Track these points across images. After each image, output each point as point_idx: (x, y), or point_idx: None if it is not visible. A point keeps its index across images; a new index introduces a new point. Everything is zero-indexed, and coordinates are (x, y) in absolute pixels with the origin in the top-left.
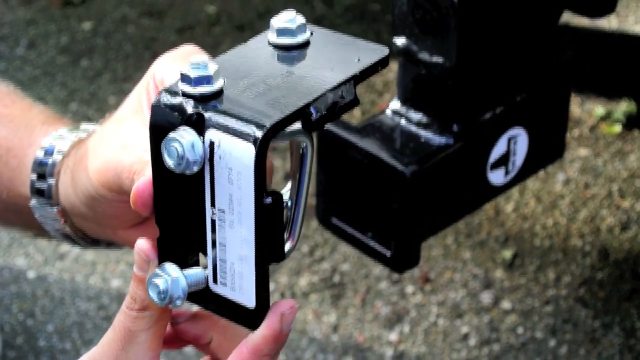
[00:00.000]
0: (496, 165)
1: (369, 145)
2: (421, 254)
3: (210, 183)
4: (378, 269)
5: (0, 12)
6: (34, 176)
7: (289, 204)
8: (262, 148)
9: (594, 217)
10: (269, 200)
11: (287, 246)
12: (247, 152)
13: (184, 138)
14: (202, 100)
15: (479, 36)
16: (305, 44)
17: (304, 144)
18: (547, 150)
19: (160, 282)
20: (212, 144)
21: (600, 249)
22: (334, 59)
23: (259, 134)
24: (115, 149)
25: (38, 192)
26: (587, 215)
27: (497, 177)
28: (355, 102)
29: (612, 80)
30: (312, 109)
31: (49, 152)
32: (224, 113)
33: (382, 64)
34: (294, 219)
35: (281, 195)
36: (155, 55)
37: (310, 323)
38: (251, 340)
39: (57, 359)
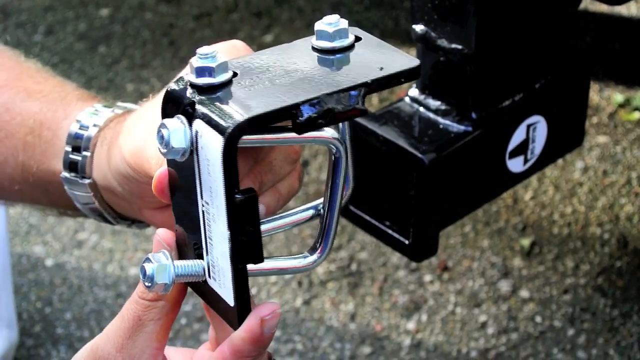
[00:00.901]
0: (515, 153)
1: (388, 132)
2: (439, 242)
3: (198, 173)
4: (396, 258)
5: None
6: (68, 148)
7: (322, 212)
8: (230, 141)
9: (612, 205)
10: (239, 197)
11: (314, 257)
12: (217, 145)
13: (171, 125)
14: (203, 90)
15: (498, 23)
16: (343, 49)
17: (336, 151)
18: (566, 137)
19: (148, 268)
20: (197, 133)
21: (619, 237)
22: (357, 66)
23: (230, 127)
24: (149, 132)
25: (71, 165)
26: (605, 203)
27: (516, 164)
28: (361, 112)
29: (631, 67)
30: (303, 110)
31: (84, 126)
32: (213, 105)
33: (408, 75)
34: (326, 229)
35: (255, 195)
36: (172, 42)
37: (327, 312)
38: (231, 340)
39: (74, 347)
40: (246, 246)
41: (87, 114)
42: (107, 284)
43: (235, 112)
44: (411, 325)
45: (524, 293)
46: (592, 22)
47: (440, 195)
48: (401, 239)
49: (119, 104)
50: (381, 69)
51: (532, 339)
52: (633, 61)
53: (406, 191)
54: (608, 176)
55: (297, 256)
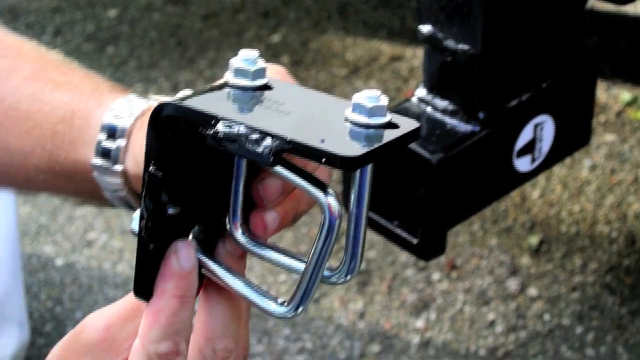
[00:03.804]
0: (523, 152)
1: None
2: (447, 240)
3: None
4: (404, 256)
5: None
6: (102, 136)
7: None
8: (153, 114)
9: (620, 203)
10: (151, 170)
11: (283, 309)
12: None
13: None
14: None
15: (505, 23)
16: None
17: (325, 217)
18: (573, 136)
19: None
20: None
21: (627, 235)
22: (336, 130)
23: (161, 103)
24: None
25: (103, 153)
26: (613, 201)
27: (523, 164)
28: (263, 162)
29: (638, 66)
30: (219, 126)
31: (119, 115)
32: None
33: (327, 159)
34: (299, 288)
35: (158, 178)
36: (180, 43)
37: (336, 310)
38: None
39: None
40: (145, 221)
41: (122, 103)
42: (117, 283)
43: (185, 97)
44: (420, 323)
45: (533, 291)
46: (599, 22)
47: (448, 194)
48: (409, 238)
49: (152, 95)
50: (322, 141)
51: (540, 337)
52: None
53: (414, 191)
54: (616, 174)
55: (271, 297)
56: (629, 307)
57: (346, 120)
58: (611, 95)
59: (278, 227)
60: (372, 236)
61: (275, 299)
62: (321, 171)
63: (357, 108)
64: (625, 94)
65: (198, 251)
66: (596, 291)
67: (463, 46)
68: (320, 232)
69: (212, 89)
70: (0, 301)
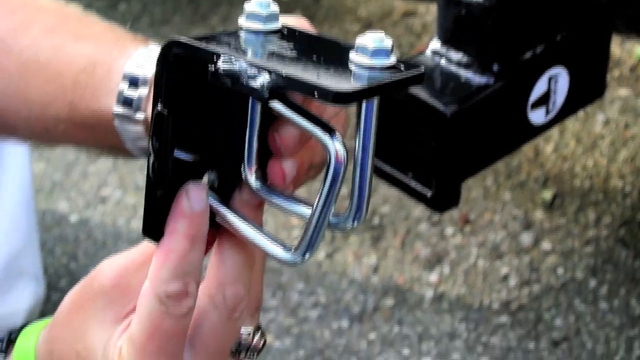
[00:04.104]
0: (537, 104)
1: None
2: (461, 195)
3: None
4: (418, 211)
5: None
6: (124, 85)
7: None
8: (162, 53)
9: (634, 158)
10: (159, 108)
11: (289, 256)
12: None
13: None
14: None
15: None
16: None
17: (330, 161)
18: (587, 89)
19: None
20: None
21: None
22: (334, 70)
23: (170, 40)
24: None
25: (125, 102)
26: (627, 155)
27: (537, 116)
28: (259, 98)
29: None
30: (220, 61)
31: (141, 65)
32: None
33: (320, 93)
34: (305, 235)
35: (166, 116)
36: None
37: (350, 265)
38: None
39: None
40: (152, 161)
41: (144, 53)
42: (131, 239)
43: (196, 37)
44: (433, 277)
45: (546, 245)
46: None
47: (462, 147)
48: (424, 190)
49: None
50: (318, 77)
51: (554, 291)
52: None
53: (429, 143)
54: (630, 129)
55: (280, 243)
56: None
57: (350, 62)
58: (625, 50)
59: (296, 177)
60: (385, 191)
61: (284, 245)
62: (335, 122)
63: (360, 49)
64: (639, 49)
65: (213, 198)
66: (609, 245)
67: None
68: (325, 178)
69: (226, 32)
70: (15, 257)
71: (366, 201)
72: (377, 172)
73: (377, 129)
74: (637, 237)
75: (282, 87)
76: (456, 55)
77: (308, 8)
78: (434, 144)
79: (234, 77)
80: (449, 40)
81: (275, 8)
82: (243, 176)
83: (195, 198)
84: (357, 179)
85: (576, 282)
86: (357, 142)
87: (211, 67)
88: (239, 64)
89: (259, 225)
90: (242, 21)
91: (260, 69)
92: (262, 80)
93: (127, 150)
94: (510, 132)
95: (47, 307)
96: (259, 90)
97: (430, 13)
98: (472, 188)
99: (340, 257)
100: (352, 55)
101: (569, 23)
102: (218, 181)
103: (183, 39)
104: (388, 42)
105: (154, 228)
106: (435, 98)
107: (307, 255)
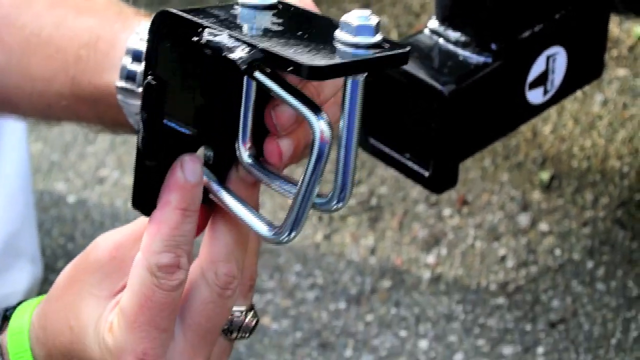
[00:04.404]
0: (535, 84)
1: (407, 64)
2: (458, 176)
3: None
4: (415, 192)
5: None
6: (127, 59)
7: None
8: (152, 24)
9: (632, 138)
10: (148, 79)
11: (273, 234)
12: None
13: None
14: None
15: None
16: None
17: (314, 139)
18: (585, 69)
19: None
20: None
21: (639, 170)
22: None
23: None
24: None
25: (128, 76)
26: (625, 136)
27: (535, 96)
28: (242, 70)
29: None
30: (205, 32)
31: (145, 39)
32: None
33: (294, 68)
34: (290, 214)
35: (157, 85)
36: None
37: (347, 246)
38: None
39: None
40: (141, 132)
41: (147, 27)
42: (129, 220)
43: (190, 9)
44: (431, 259)
45: (543, 226)
46: None
47: (460, 126)
48: (421, 170)
49: None
50: (295, 51)
51: (551, 272)
52: None
53: (426, 123)
54: (628, 109)
55: (266, 222)
56: (639, 241)
57: (334, 39)
58: (624, 30)
59: (292, 155)
60: (383, 172)
61: (270, 224)
62: (332, 105)
63: (345, 27)
64: (638, 28)
65: (209, 177)
66: (607, 226)
67: None
68: (310, 157)
69: (221, 6)
70: (13, 237)
71: (350, 181)
72: (374, 152)
73: (363, 108)
74: (635, 218)
75: (260, 61)
76: (454, 35)
77: None
78: (431, 123)
79: (215, 48)
80: (447, 19)
81: None
82: (237, 153)
83: (189, 170)
84: (342, 160)
85: (573, 263)
86: (342, 122)
87: (194, 39)
88: (220, 37)
89: (255, 204)
90: None
91: (240, 41)
92: (240, 53)
93: (130, 125)
94: (509, 112)
95: (44, 288)
96: (237, 62)
97: None
98: (470, 169)
99: (337, 238)
100: (337, 33)
101: (567, 2)
102: (214, 158)
103: (173, 10)
104: (373, 20)
105: (144, 200)
106: (433, 77)
107: (292, 234)
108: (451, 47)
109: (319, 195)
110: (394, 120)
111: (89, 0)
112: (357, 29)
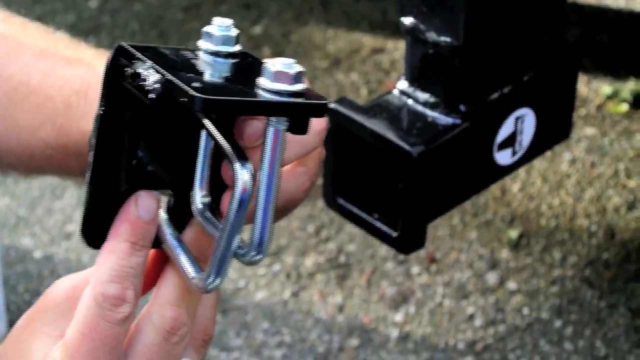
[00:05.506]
0: (503, 145)
1: (376, 124)
2: (427, 234)
3: None
4: (384, 250)
5: None
6: None
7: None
8: (111, 57)
9: (600, 197)
10: (101, 110)
11: (199, 280)
12: None
13: None
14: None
15: (487, 15)
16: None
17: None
18: (554, 130)
19: None
20: None
21: (607, 229)
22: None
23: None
24: None
25: None
26: (593, 195)
27: (504, 157)
28: (150, 99)
29: (619, 59)
30: (132, 67)
31: None
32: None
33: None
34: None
35: (112, 115)
36: (161, 34)
37: (315, 304)
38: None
39: None
40: (90, 161)
41: None
42: None
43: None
44: (399, 317)
45: (512, 285)
46: (580, 14)
47: (428, 187)
48: (389, 231)
49: None
50: (195, 87)
51: (519, 331)
52: (621, 53)
53: (394, 184)
54: (596, 168)
55: (197, 269)
56: (607, 300)
57: (256, 85)
58: (592, 89)
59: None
60: (351, 229)
61: (199, 271)
62: (311, 159)
63: (266, 73)
64: (606, 88)
65: (166, 224)
66: (575, 285)
67: (445, 38)
68: (230, 206)
69: (182, 48)
70: None
71: (268, 235)
72: (342, 212)
73: (332, 168)
74: (603, 277)
75: (167, 91)
76: (423, 95)
77: (277, 44)
78: (399, 184)
79: (134, 77)
80: (416, 80)
81: (233, 32)
82: (191, 199)
83: (143, 206)
84: (260, 214)
85: (541, 322)
86: (259, 172)
87: (127, 70)
88: (146, 71)
89: (203, 257)
90: (200, 41)
91: (156, 72)
92: (153, 81)
93: None
94: (477, 173)
95: None
96: (146, 90)
97: (399, 50)
98: (439, 227)
99: (305, 296)
100: (258, 78)
101: (536, 64)
102: (174, 207)
103: (127, 44)
104: (295, 68)
105: (93, 231)
106: (402, 138)
107: (215, 282)
108: (420, 108)
109: (240, 246)
110: (362, 180)
111: (78, 51)
112: (275, 75)
